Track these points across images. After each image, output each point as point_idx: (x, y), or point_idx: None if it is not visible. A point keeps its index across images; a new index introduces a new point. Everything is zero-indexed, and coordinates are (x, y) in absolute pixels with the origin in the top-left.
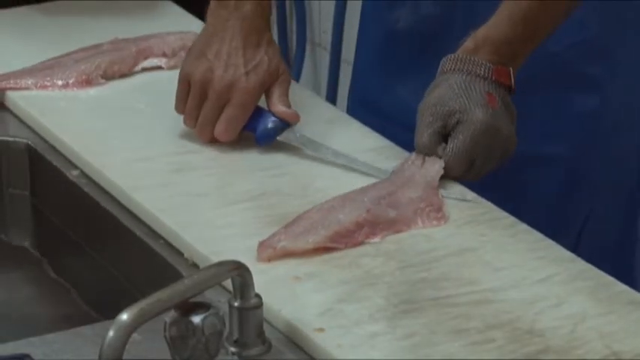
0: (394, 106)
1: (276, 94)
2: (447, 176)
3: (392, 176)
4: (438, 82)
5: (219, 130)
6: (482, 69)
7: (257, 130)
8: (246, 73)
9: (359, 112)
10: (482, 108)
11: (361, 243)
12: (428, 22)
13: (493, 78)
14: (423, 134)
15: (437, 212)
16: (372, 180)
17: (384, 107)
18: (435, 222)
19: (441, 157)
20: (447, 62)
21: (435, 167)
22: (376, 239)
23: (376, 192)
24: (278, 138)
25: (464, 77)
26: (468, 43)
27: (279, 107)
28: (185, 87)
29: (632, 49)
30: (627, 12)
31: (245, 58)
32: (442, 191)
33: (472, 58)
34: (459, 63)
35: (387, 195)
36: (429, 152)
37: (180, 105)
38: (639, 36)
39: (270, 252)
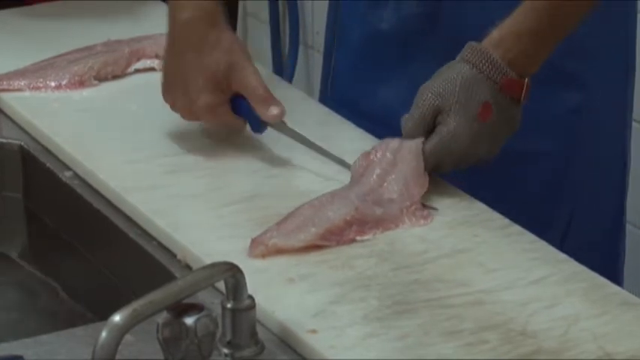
0: (375, 106)
1: (250, 92)
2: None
3: (375, 168)
4: (449, 69)
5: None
6: (496, 73)
7: (249, 120)
8: (196, 95)
9: (338, 112)
10: (468, 121)
11: (352, 240)
12: (411, 22)
13: (501, 86)
14: (411, 123)
15: (422, 210)
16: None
17: (364, 107)
18: (422, 220)
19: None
20: (468, 50)
21: (413, 149)
22: (367, 236)
23: (361, 188)
24: (270, 127)
25: (472, 73)
26: (494, 33)
27: (263, 113)
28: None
29: (616, 46)
30: (610, 9)
31: (192, 78)
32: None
33: (490, 57)
34: (476, 55)
35: (370, 191)
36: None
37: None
38: (622, 34)
39: (262, 249)
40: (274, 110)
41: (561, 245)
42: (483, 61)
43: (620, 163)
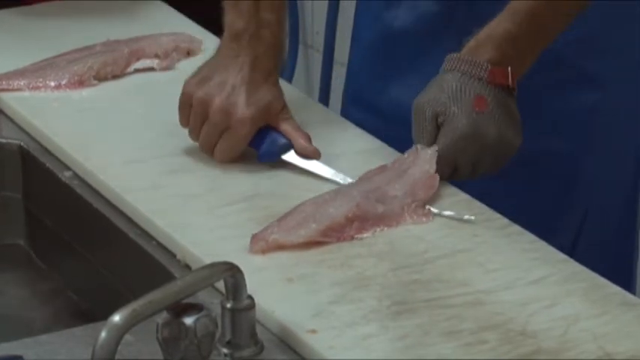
0: (391, 105)
1: (290, 127)
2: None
3: (387, 169)
4: (434, 81)
5: (217, 158)
6: (478, 69)
7: (260, 149)
8: (245, 105)
9: (353, 111)
10: (465, 113)
11: (352, 237)
12: (426, 20)
13: (487, 79)
14: (421, 139)
15: (423, 208)
16: None
17: (380, 106)
18: (424, 218)
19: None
20: (447, 61)
21: (427, 157)
22: (367, 234)
23: (366, 185)
24: (282, 157)
25: (458, 77)
26: (471, 41)
27: (301, 144)
28: (186, 105)
29: (632, 45)
30: (627, 8)
31: (247, 93)
32: (435, 210)
33: (470, 58)
34: (457, 62)
35: (376, 188)
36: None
37: (184, 120)
38: (638, 33)
39: (263, 244)
40: (313, 146)
41: (574, 245)
42: (465, 65)
43: (633, 163)
